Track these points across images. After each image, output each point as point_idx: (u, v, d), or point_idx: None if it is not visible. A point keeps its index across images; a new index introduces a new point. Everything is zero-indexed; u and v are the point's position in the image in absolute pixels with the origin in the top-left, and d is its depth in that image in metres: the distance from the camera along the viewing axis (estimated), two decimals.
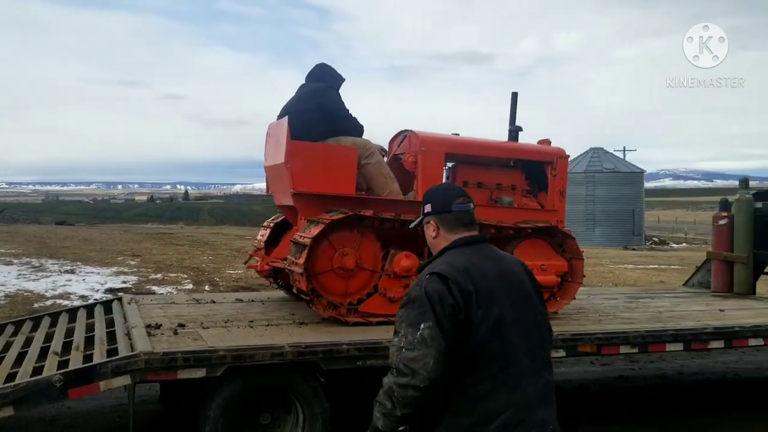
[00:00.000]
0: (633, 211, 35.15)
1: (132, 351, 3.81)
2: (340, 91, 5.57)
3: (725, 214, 7.59)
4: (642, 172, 38.15)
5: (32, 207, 74.67)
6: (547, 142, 6.20)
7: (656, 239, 37.49)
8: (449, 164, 5.96)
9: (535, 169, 6.13)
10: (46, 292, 11.14)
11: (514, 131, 6.25)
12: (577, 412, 6.14)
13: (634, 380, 7.38)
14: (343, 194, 5.08)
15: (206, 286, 11.97)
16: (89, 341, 4.41)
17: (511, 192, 5.97)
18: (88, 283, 12.19)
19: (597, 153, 37.21)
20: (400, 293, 4.97)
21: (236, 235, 26.33)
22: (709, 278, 7.80)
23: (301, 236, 4.80)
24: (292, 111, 5.33)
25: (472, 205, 2.43)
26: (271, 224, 6.14)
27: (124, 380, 3.66)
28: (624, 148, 46.27)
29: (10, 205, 75.65)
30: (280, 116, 5.47)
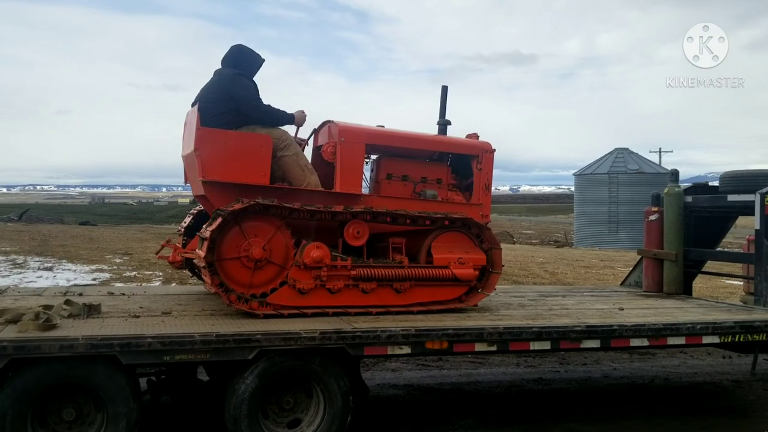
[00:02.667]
0: None
1: None
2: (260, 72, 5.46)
3: (656, 209, 7.17)
4: (668, 173, 37.05)
5: (78, 208, 76.69)
6: (475, 136, 6.11)
7: None
8: (374, 156, 5.87)
9: (461, 162, 6.05)
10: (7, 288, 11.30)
11: (443, 125, 6.20)
12: (464, 415, 5.84)
13: (551, 383, 7.00)
14: (257, 184, 4.94)
15: (173, 283, 12.00)
16: None
17: (437, 185, 5.89)
18: (58, 279, 12.31)
19: (621, 154, 36.24)
20: (310, 284, 4.88)
21: None
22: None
23: (204, 230, 4.69)
24: (203, 98, 5.23)
25: None
26: (195, 211, 6.09)
27: None
28: (660, 149, 45.00)
29: (59, 207, 78.27)
30: (194, 103, 5.33)
